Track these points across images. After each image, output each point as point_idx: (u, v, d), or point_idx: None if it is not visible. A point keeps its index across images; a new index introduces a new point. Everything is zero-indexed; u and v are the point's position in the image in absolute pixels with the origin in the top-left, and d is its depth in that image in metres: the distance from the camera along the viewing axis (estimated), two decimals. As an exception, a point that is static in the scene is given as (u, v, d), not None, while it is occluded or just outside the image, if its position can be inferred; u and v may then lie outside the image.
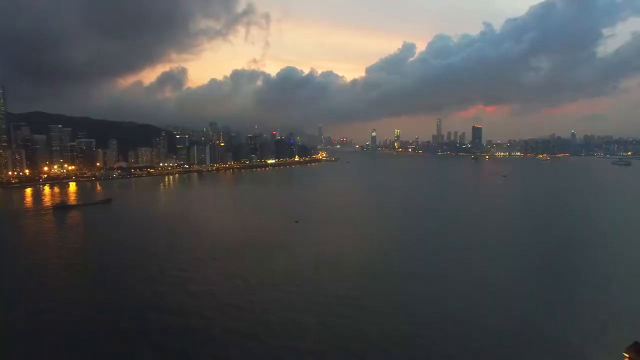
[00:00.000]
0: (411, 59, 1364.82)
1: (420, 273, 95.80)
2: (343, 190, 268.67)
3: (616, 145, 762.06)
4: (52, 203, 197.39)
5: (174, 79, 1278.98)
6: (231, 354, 59.94)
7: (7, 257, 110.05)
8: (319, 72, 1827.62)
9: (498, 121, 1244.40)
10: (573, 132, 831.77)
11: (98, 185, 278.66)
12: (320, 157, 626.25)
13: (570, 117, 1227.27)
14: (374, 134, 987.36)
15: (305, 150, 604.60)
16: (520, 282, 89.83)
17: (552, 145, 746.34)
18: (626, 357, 41.57)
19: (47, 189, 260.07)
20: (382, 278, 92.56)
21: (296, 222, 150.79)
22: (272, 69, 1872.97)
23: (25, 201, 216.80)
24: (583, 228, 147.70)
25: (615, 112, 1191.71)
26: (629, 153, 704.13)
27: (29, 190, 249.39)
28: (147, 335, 65.24)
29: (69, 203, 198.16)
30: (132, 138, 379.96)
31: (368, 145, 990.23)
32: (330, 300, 78.20)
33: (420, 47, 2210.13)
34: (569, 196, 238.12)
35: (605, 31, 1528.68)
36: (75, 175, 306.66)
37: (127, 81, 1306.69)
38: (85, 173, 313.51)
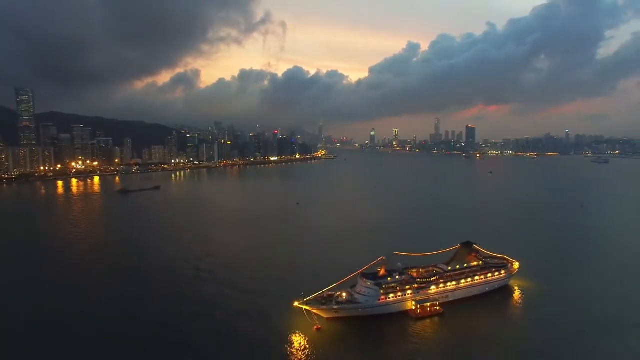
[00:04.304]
0: (415, 59, 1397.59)
1: (387, 228, 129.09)
2: (337, 182, 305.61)
3: (605, 145, 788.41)
4: (116, 189, 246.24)
5: (187, 80, 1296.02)
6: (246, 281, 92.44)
7: (109, 220, 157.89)
8: (324, 72, 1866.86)
9: (498, 121, 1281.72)
10: (567, 132, 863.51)
11: (117, 179, 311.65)
12: (320, 155, 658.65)
13: (568, 117, 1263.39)
14: (372, 133, 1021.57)
15: (306, 149, 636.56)
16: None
17: (543, 144, 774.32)
18: (459, 245, 74.83)
19: (74, 181, 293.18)
20: (362, 234, 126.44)
21: (297, 204, 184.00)
22: (280, 70, 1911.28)
23: (79, 190, 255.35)
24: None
25: (613, 112, 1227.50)
26: (616, 152, 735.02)
27: (60, 183, 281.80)
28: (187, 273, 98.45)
29: (129, 189, 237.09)
30: (142, 136, 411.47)
31: (367, 144, 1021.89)
32: (320, 248, 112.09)
33: (424, 46, 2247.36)
34: (531, 185, 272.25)
35: (608, 33, 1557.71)
36: (100, 170, 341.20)
37: (143, 83, 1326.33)
38: (108, 169, 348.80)
